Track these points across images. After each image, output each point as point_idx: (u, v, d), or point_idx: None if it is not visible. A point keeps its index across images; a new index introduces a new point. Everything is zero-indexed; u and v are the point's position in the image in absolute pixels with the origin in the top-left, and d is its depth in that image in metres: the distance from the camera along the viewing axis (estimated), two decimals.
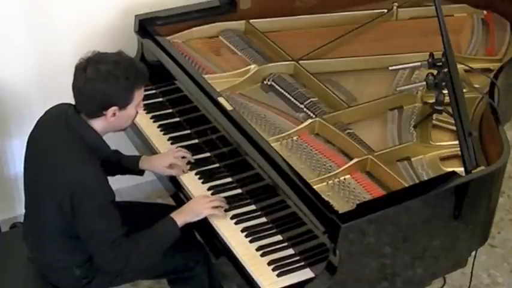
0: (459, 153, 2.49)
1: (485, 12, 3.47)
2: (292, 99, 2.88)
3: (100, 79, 2.34)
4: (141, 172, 2.81)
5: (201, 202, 2.59)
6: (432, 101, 2.77)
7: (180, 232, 2.54)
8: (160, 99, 3.12)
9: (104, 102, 2.37)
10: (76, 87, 2.40)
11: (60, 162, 2.40)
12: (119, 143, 2.89)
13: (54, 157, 2.42)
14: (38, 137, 2.52)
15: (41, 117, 2.55)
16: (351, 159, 2.60)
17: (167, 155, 2.79)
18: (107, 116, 2.41)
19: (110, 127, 2.47)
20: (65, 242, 2.52)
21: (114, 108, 2.39)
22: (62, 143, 2.44)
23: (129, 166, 2.78)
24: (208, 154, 2.84)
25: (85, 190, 2.36)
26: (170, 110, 3.07)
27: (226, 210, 2.60)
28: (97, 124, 2.43)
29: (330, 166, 2.60)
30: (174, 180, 2.78)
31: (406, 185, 2.47)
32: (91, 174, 2.38)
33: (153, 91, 3.16)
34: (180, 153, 2.78)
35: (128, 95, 2.40)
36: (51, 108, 2.55)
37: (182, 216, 2.56)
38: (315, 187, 2.42)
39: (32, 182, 2.54)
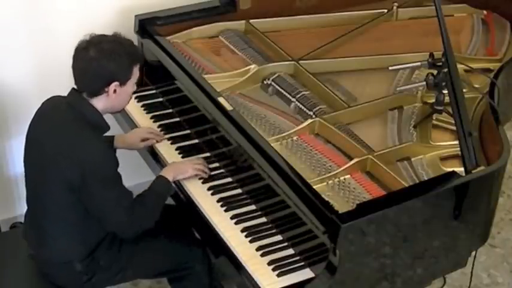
0: (459, 153, 2.49)
1: (485, 12, 3.47)
2: (292, 99, 2.88)
3: (104, 57, 2.44)
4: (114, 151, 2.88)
5: (187, 162, 2.75)
6: (432, 101, 2.77)
7: (172, 187, 2.66)
8: (160, 99, 3.12)
9: (108, 79, 2.47)
10: (78, 68, 2.49)
11: (66, 139, 2.47)
12: None
13: (59, 136, 2.49)
14: (38, 123, 2.57)
15: (39, 108, 2.60)
16: (351, 159, 2.60)
17: (139, 132, 2.93)
18: (109, 93, 2.49)
19: (110, 106, 2.54)
20: (68, 232, 2.55)
21: (115, 83, 2.48)
22: (64, 122, 2.51)
23: None
24: (208, 154, 2.84)
25: (94, 164, 2.43)
26: (170, 110, 3.07)
27: (226, 210, 2.61)
28: (98, 103, 2.51)
29: (330, 166, 2.60)
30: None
31: (406, 185, 2.47)
32: (97, 147, 2.46)
33: (153, 91, 3.16)
34: (151, 135, 2.90)
35: (129, 70, 2.50)
36: (46, 100, 2.61)
37: (171, 173, 2.68)
38: (315, 187, 2.42)
39: (36, 169, 2.56)
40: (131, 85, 2.54)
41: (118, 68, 2.46)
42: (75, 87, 2.53)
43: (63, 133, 2.49)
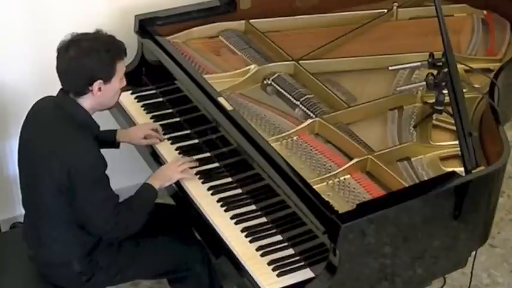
0: (459, 153, 2.49)
1: (485, 12, 3.47)
2: (292, 99, 2.88)
3: (83, 55, 2.43)
4: (117, 145, 2.89)
5: (172, 167, 2.71)
6: (432, 101, 2.77)
7: (157, 194, 2.64)
8: (160, 99, 3.12)
9: (89, 77, 2.45)
10: (60, 68, 2.48)
11: (54, 140, 2.47)
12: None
13: (48, 137, 2.49)
14: (28, 124, 2.58)
15: (30, 109, 2.60)
16: (351, 159, 2.60)
17: (142, 127, 2.92)
18: (94, 91, 2.47)
19: (98, 104, 2.53)
20: (64, 231, 2.55)
21: (99, 82, 2.46)
22: (52, 122, 2.51)
23: (106, 140, 2.82)
24: (208, 154, 2.84)
25: (81, 165, 2.42)
26: (170, 110, 3.07)
27: (226, 210, 2.61)
28: (85, 102, 2.50)
29: (330, 166, 2.60)
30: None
31: (406, 185, 2.47)
32: (84, 148, 2.45)
33: (153, 91, 3.16)
34: (154, 126, 2.91)
35: (110, 67, 2.48)
36: (38, 100, 2.61)
37: (158, 182, 2.67)
38: (315, 187, 2.42)
39: (28, 171, 2.57)
40: (117, 81, 2.51)
41: (98, 66, 2.44)
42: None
43: (51, 134, 2.49)
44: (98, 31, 2.51)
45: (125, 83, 2.58)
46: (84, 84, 2.46)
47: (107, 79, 2.47)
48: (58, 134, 2.48)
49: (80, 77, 2.45)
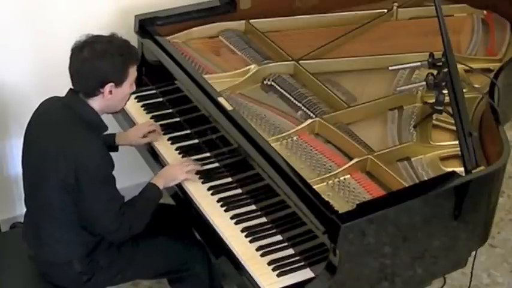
0: (459, 153, 2.49)
1: (485, 12, 3.47)
2: (292, 99, 2.88)
3: (97, 57, 2.43)
4: (116, 148, 2.89)
5: (176, 168, 2.72)
6: (432, 101, 2.77)
7: (162, 194, 2.65)
8: (160, 99, 3.13)
9: (101, 79, 2.45)
10: (73, 68, 2.48)
11: (62, 140, 2.47)
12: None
13: (55, 137, 2.49)
14: (35, 124, 2.58)
15: (36, 109, 2.61)
16: (351, 159, 2.60)
17: (140, 127, 2.92)
18: (104, 94, 2.48)
19: (106, 106, 2.53)
20: (67, 231, 2.55)
21: (110, 84, 2.46)
22: (60, 122, 2.51)
23: (105, 143, 2.79)
24: (208, 154, 2.84)
25: (89, 164, 2.42)
26: (170, 110, 3.07)
27: (226, 211, 2.61)
28: (94, 103, 2.51)
29: (330, 166, 2.60)
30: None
31: (406, 185, 2.47)
32: (92, 148, 2.45)
33: (153, 91, 3.16)
34: (152, 127, 2.90)
35: (123, 71, 2.48)
36: (44, 101, 2.61)
37: (162, 181, 2.67)
38: (315, 187, 2.42)
39: (33, 171, 2.57)
40: (128, 86, 2.52)
41: (111, 69, 2.45)
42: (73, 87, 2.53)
43: (59, 133, 2.49)
44: (112, 34, 2.52)
45: (134, 88, 2.58)
46: (96, 86, 2.46)
47: (118, 83, 2.48)
48: (66, 133, 2.48)
49: (92, 79, 2.45)
